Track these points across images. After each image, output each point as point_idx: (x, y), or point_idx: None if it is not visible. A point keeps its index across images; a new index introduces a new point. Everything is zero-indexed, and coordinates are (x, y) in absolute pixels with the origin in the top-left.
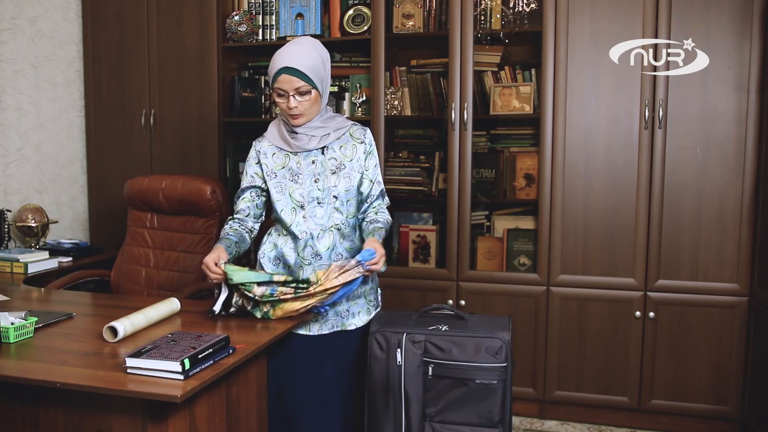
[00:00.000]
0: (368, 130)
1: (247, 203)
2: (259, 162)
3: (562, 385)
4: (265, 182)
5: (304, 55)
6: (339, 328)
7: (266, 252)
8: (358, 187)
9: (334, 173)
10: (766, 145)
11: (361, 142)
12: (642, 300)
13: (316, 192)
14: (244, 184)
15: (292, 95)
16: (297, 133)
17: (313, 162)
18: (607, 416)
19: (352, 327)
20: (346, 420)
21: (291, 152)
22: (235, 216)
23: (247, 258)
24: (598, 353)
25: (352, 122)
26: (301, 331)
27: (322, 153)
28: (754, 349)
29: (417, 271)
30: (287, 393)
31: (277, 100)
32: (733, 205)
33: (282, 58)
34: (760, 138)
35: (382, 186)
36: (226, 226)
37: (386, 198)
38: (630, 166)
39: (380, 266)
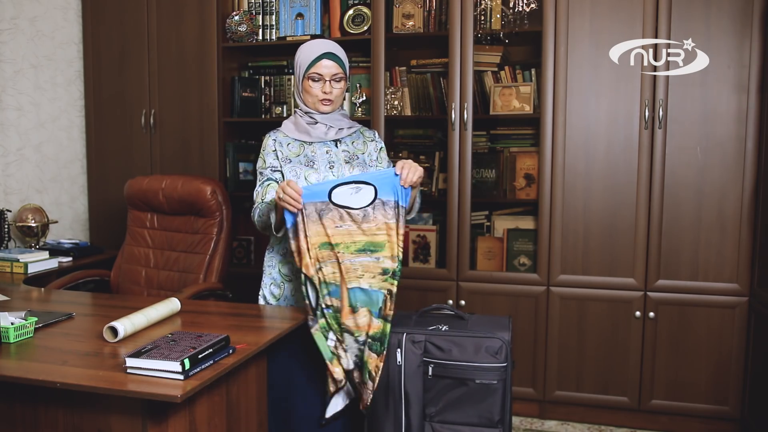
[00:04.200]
0: (376, 131)
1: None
2: (275, 150)
3: (562, 385)
4: (281, 169)
5: (339, 47)
6: None
7: (278, 266)
8: None
9: (347, 162)
10: (766, 145)
11: (372, 140)
12: (642, 300)
13: (331, 178)
14: (266, 173)
15: (329, 81)
16: (317, 122)
17: (327, 152)
18: (607, 416)
19: None
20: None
21: (307, 142)
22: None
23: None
24: (598, 353)
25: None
26: None
27: (336, 146)
28: (754, 349)
29: (417, 271)
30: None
31: (311, 84)
32: (733, 205)
33: (322, 45)
34: (760, 138)
35: None
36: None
37: None
38: (630, 166)
39: (413, 173)
